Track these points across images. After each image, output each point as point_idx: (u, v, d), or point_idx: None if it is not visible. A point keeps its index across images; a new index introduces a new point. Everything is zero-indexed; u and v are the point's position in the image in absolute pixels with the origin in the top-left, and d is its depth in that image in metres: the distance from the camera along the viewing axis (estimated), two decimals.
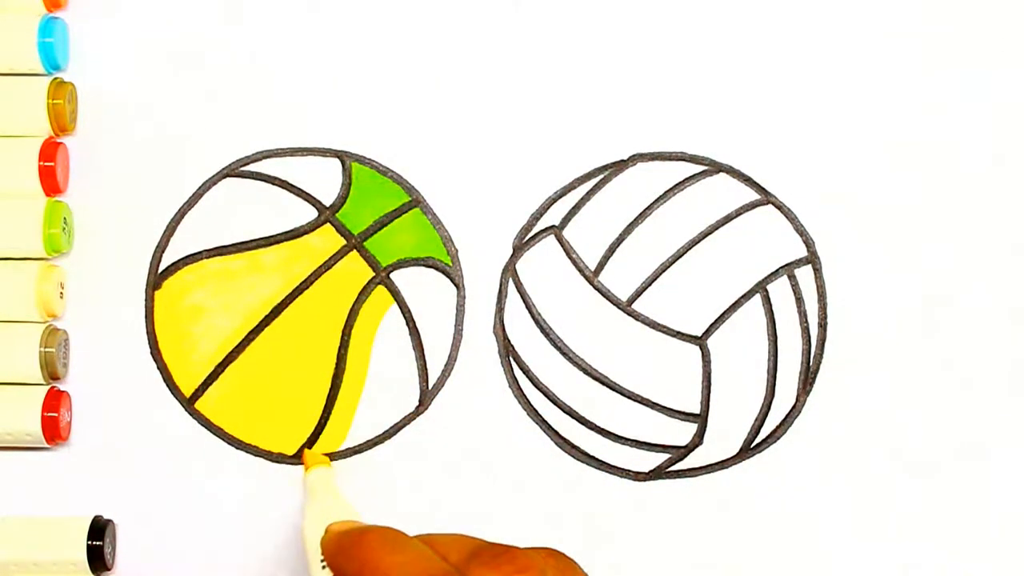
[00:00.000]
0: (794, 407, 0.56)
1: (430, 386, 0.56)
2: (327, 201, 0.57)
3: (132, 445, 0.56)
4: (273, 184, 0.57)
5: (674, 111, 0.57)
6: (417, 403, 0.56)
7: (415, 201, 0.57)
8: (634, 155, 0.57)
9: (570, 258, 0.57)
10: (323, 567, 0.45)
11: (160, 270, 0.57)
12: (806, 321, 0.57)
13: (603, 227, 0.57)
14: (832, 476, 0.56)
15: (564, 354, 0.57)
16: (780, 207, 0.57)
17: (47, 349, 0.55)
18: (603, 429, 0.56)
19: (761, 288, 0.57)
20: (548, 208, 0.57)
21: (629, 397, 0.56)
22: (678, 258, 0.57)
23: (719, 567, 0.56)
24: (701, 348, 0.57)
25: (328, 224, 0.57)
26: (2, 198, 0.56)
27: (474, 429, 0.56)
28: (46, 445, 0.55)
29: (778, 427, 0.56)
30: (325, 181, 0.57)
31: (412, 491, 0.56)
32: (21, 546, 0.55)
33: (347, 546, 0.44)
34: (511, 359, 0.57)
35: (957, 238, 0.57)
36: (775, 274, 0.57)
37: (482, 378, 0.56)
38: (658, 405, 0.56)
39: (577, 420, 0.56)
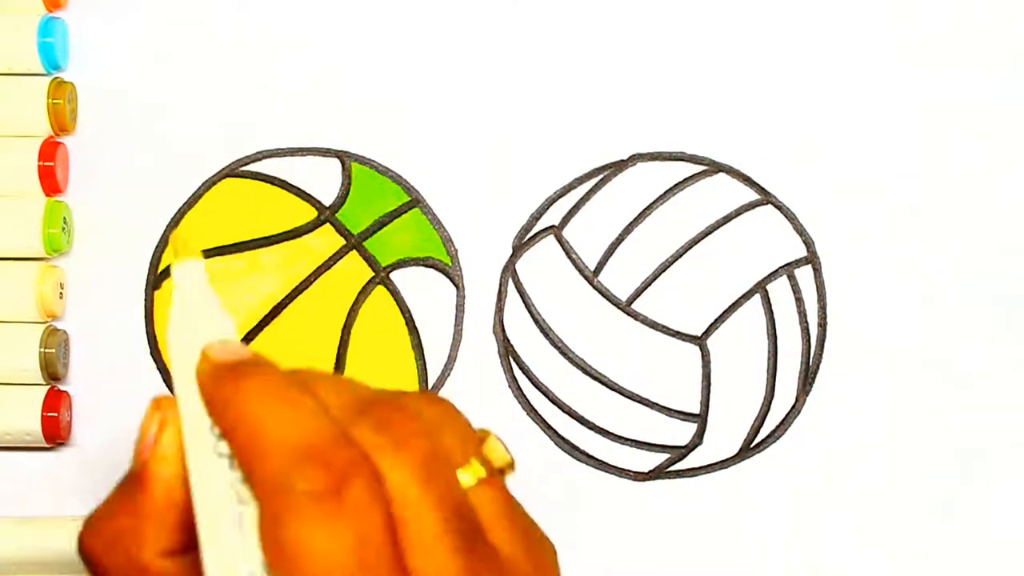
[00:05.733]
0: (794, 407, 0.56)
1: (430, 386, 0.56)
2: (327, 201, 0.57)
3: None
4: (273, 184, 0.57)
5: (674, 111, 0.57)
6: None
7: (415, 201, 0.57)
8: (634, 155, 0.57)
9: (570, 258, 0.57)
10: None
11: (160, 270, 0.57)
12: (806, 321, 0.57)
13: (603, 227, 0.57)
14: (832, 476, 0.56)
15: (564, 354, 0.57)
16: (780, 207, 0.57)
17: (47, 349, 0.55)
18: (603, 429, 0.56)
19: (761, 288, 0.57)
20: (548, 208, 0.57)
21: (629, 397, 0.56)
22: (678, 258, 0.57)
23: (719, 567, 0.56)
24: (701, 348, 0.56)
25: (328, 224, 0.57)
26: (2, 198, 0.56)
27: None
28: (46, 445, 0.55)
29: (778, 427, 0.56)
30: (325, 181, 0.57)
31: None
32: (20, 546, 0.55)
33: (223, 390, 0.39)
34: (511, 359, 0.57)
35: (956, 238, 0.57)
36: (775, 274, 0.57)
37: (482, 378, 0.56)
38: (657, 405, 0.56)
39: (577, 420, 0.56)
